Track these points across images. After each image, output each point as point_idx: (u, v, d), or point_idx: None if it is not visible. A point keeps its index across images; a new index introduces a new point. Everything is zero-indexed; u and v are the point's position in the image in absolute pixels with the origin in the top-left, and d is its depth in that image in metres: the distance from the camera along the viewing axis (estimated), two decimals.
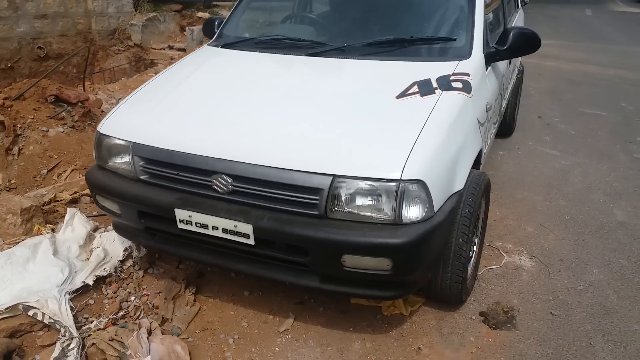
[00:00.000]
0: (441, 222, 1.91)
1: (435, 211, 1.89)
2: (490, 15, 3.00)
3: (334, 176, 1.83)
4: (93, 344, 2.12)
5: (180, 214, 2.02)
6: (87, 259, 2.63)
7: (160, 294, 2.49)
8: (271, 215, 1.91)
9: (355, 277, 1.94)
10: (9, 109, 3.60)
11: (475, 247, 2.58)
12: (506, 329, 2.31)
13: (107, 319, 2.31)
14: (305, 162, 1.88)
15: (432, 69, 2.36)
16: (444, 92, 2.19)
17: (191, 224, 2.03)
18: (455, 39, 2.60)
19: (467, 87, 2.29)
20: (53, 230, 2.78)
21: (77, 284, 2.42)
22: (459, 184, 2.07)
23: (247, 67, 2.64)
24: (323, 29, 2.98)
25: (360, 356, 2.16)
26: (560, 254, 2.89)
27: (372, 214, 1.84)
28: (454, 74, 2.32)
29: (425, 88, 2.20)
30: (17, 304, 2.17)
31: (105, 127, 2.29)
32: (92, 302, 2.43)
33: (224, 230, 1.98)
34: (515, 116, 4.76)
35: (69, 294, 2.35)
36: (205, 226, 2.01)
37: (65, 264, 2.48)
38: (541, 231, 3.15)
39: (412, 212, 1.84)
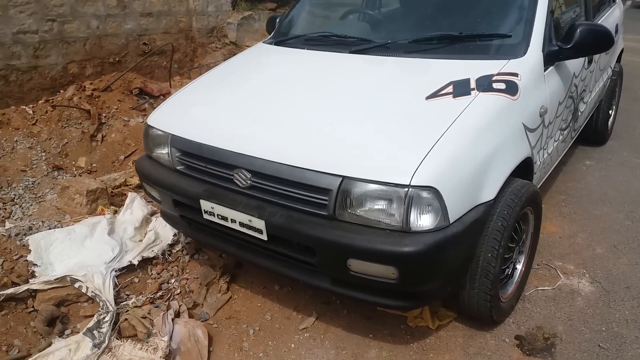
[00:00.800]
0: (459, 233, 1.77)
1: (451, 221, 1.76)
2: (563, 9, 2.72)
3: (343, 177, 1.79)
4: (126, 319, 2.28)
5: (205, 205, 2.10)
6: (140, 240, 2.83)
7: (198, 280, 2.62)
8: (283, 213, 1.91)
9: (363, 282, 1.88)
10: (97, 99, 3.98)
11: (520, 265, 2.38)
12: (541, 357, 2.10)
13: (145, 298, 2.47)
14: (316, 161, 1.86)
15: (476, 68, 2.19)
16: (480, 93, 2.03)
17: (214, 215, 2.10)
18: (510, 36, 2.39)
19: (511, 89, 2.10)
20: (115, 212, 3.03)
21: (124, 262, 2.61)
22: (488, 194, 1.91)
23: (286, 65, 2.66)
24: (374, 25, 2.91)
25: None
26: (629, 281, 2.55)
27: (380, 219, 1.76)
28: (498, 74, 2.14)
29: (460, 88, 2.06)
30: (65, 276, 2.40)
31: (152, 118, 2.45)
32: (137, 281, 2.61)
33: (241, 224, 2.02)
34: (610, 123, 4.27)
35: (115, 271, 2.55)
36: (225, 218, 2.06)
37: (117, 243, 2.70)
38: (612, 253, 2.80)
39: (423, 220, 1.73)
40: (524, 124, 2.13)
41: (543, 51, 2.36)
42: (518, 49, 2.31)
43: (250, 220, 1.97)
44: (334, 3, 3.20)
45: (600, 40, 2.36)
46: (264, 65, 2.72)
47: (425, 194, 1.70)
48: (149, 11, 6.27)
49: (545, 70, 2.38)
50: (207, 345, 2.18)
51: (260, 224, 1.95)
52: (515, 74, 2.17)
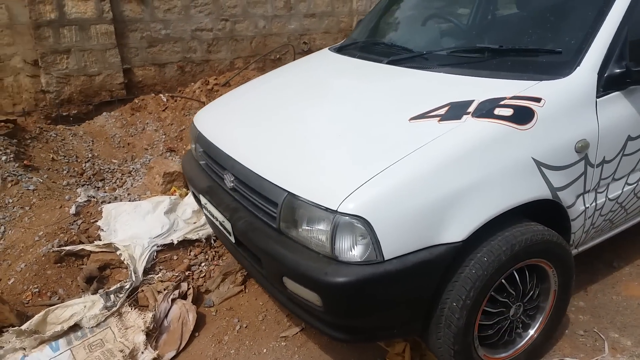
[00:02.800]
0: (396, 271, 1.59)
1: (386, 257, 1.59)
2: None
3: (288, 192, 1.74)
4: (142, 290, 2.58)
5: (203, 199, 2.25)
6: (195, 222, 3.13)
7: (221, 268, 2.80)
8: (247, 219, 1.94)
9: (301, 303, 1.81)
10: (215, 93, 4.43)
11: (532, 329, 2.01)
12: None
13: (171, 275, 2.75)
14: (273, 172, 1.85)
15: (493, 89, 1.89)
16: (473, 119, 1.75)
17: (207, 210, 2.24)
18: (560, 52, 1.98)
19: (521, 116, 1.76)
20: (186, 194, 3.39)
21: (167, 240, 2.93)
22: (453, 235, 1.64)
23: (316, 72, 2.62)
24: (431, 34, 2.66)
25: None
26: None
27: (313, 242, 1.68)
28: (513, 97, 1.81)
29: (454, 112, 1.80)
30: (111, 243, 2.80)
31: (196, 116, 2.68)
32: (175, 259, 2.91)
33: (220, 223, 2.12)
34: None
35: (158, 246, 2.88)
36: (212, 214, 2.18)
37: (169, 222, 3.03)
38: None
39: (354, 251, 1.60)
40: (535, 159, 1.76)
41: (601, 73, 1.90)
42: (563, 68, 1.91)
43: (224, 221, 2.06)
44: (409, 6, 3.00)
45: None
46: (299, 72, 2.73)
47: (353, 223, 1.57)
48: (313, 12, 6.62)
49: (601, 96, 1.92)
50: (191, 330, 2.34)
51: (229, 226, 2.02)
52: (537, 99, 1.81)
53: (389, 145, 1.74)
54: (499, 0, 2.62)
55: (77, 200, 3.24)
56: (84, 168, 3.92)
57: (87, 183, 3.74)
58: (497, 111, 1.76)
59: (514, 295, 1.87)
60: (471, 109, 1.79)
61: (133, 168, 4.05)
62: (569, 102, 1.85)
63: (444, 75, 2.10)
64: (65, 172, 3.78)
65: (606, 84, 1.92)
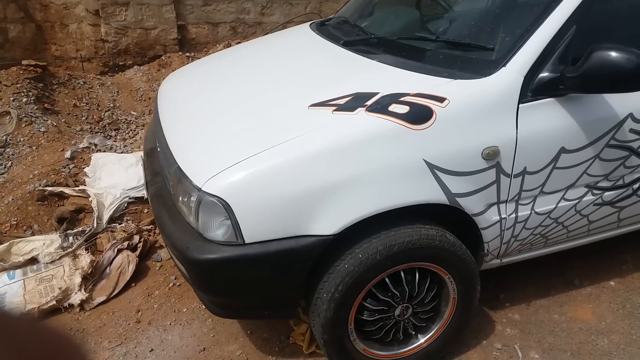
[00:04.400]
0: (255, 256, 1.61)
1: (247, 241, 1.61)
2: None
3: (177, 164, 1.80)
4: (100, 236, 2.79)
5: (143, 159, 2.37)
6: None
7: None
8: (159, 185, 2.04)
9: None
10: None
11: (424, 337, 1.97)
12: None
13: (135, 226, 2.93)
14: (174, 144, 1.91)
15: (403, 82, 1.80)
16: (365, 112, 1.67)
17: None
18: (492, 49, 1.82)
19: (416, 115, 1.65)
20: None
21: (140, 193, 3.10)
22: (324, 228, 1.62)
23: (277, 49, 2.57)
24: (393, 19, 2.49)
25: None
26: None
27: (187, 216, 1.73)
28: (415, 95, 1.70)
29: (353, 103, 1.73)
30: (85, 189, 3.02)
31: (164, 80, 2.77)
32: (145, 212, 3.09)
33: (144, 184, 2.23)
34: None
35: (130, 198, 3.07)
36: (144, 175, 2.30)
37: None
38: None
39: (214, 230, 1.63)
40: (428, 162, 1.66)
41: (530, 76, 1.73)
42: (487, 68, 1.77)
43: (145, 183, 2.16)
44: None
45: (617, 76, 1.59)
46: (262, 46, 2.71)
47: (214, 203, 1.59)
48: None
49: (527, 102, 1.75)
50: (127, 279, 2.51)
51: (147, 189, 2.12)
52: (441, 99, 1.69)
53: (274, 130, 1.73)
54: None
55: (76, 145, 3.51)
56: (102, 116, 4.19)
57: (101, 131, 4.01)
58: (392, 107, 1.68)
59: (398, 295, 1.82)
60: (370, 102, 1.72)
61: (148, 122, 4.27)
62: (479, 104, 1.71)
63: (375, 63, 2.01)
64: (83, 118, 4.08)
65: (537, 89, 1.74)
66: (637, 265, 2.61)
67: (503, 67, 1.74)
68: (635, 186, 2.05)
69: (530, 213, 1.91)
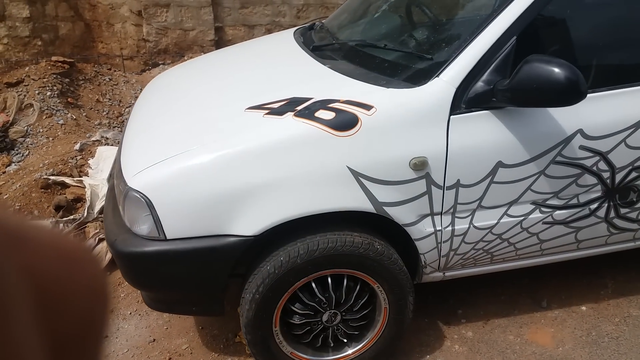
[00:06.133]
0: (177, 252, 1.68)
1: (168, 237, 1.68)
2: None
3: (119, 160, 1.91)
4: (88, 225, 2.96)
5: None
6: None
7: None
8: None
9: None
10: None
11: (351, 348, 1.97)
12: None
13: None
14: (126, 139, 2.02)
15: (338, 88, 1.83)
16: (293, 117, 1.70)
17: None
18: (431, 58, 1.80)
19: (342, 122, 1.67)
20: None
21: None
22: (244, 229, 1.67)
23: (253, 54, 2.63)
24: (359, 27, 2.48)
25: None
26: None
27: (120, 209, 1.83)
28: (344, 101, 1.72)
29: (285, 107, 1.77)
30: (83, 180, 3.22)
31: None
32: None
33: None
34: None
35: None
36: None
37: None
38: None
39: (140, 224, 1.72)
40: (352, 169, 1.67)
41: (463, 88, 1.70)
42: (421, 77, 1.75)
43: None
44: None
45: (546, 90, 1.53)
46: (242, 51, 2.78)
47: (137, 198, 1.68)
48: None
49: (460, 114, 1.71)
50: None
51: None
52: (368, 106, 1.69)
53: (205, 130, 1.80)
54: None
55: (89, 138, 3.73)
56: (122, 112, 4.43)
57: (119, 126, 4.25)
58: (319, 113, 1.70)
59: (324, 301, 1.83)
60: (300, 107, 1.75)
61: None
62: (407, 114, 1.70)
63: (326, 69, 2.03)
64: (104, 113, 4.33)
65: (470, 101, 1.71)
66: (616, 291, 2.46)
67: (436, 78, 1.72)
68: (593, 206, 1.95)
69: (469, 227, 1.87)
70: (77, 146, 3.59)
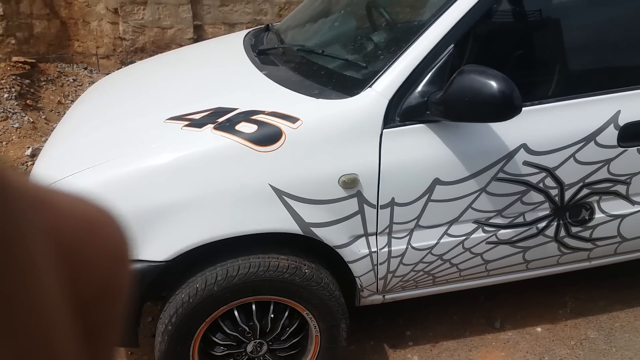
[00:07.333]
0: None
1: None
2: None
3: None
4: None
5: None
6: None
7: None
8: None
9: None
10: None
11: None
12: None
13: None
14: (43, 150, 1.90)
15: (266, 98, 1.71)
16: (212, 131, 1.58)
17: None
18: (365, 67, 1.68)
19: (263, 136, 1.54)
20: None
21: None
22: (156, 254, 1.53)
23: (198, 56, 2.51)
24: (306, 31, 2.35)
25: None
26: None
27: None
28: (269, 113, 1.59)
29: (206, 119, 1.64)
30: None
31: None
32: None
33: None
34: None
35: None
36: None
37: None
38: None
39: None
40: (275, 187, 1.55)
41: (397, 99, 1.58)
42: (354, 87, 1.63)
43: None
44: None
45: (478, 104, 1.42)
46: (189, 53, 2.66)
47: None
48: None
49: (394, 127, 1.59)
50: None
51: None
52: (294, 119, 1.57)
53: (117, 143, 1.66)
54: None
55: (42, 142, 3.59)
56: None
57: None
58: (240, 126, 1.57)
59: (248, 330, 1.70)
60: (222, 118, 1.62)
61: None
62: (336, 127, 1.57)
63: (261, 76, 1.90)
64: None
65: (405, 114, 1.59)
66: (575, 311, 2.35)
67: (369, 88, 1.60)
68: (541, 225, 1.84)
69: (407, 248, 1.75)
70: (28, 151, 3.45)
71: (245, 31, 2.75)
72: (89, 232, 0.25)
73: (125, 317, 0.28)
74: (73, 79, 4.58)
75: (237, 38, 2.58)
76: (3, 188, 0.18)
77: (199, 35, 5.67)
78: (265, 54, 2.15)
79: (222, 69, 2.14)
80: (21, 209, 0.19)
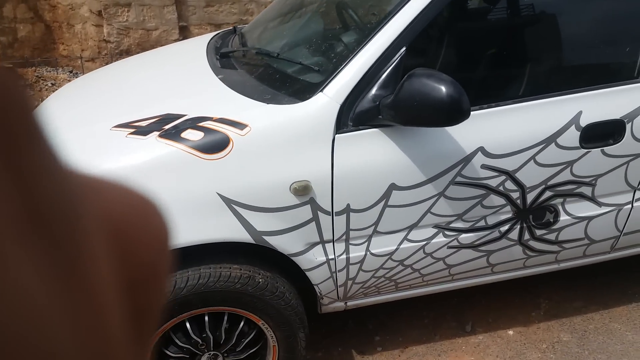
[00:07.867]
0: None
1: None
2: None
3: None
4: None
5: None
6: None
7: None
8: None
9: None
10: None
11: None
12: None
13: None
14: None
15: (216, 104, 1.66)
16: (157, 138, 1.53)
17: None
18: (318, 70, 1.64)
19: (209, 144, 1.50)
20: None
21: None
22: None
23: (162, 59, 2.45)
24: (268, 33, 2.30)
25: None
26: None
27: None
28: (218, 119, 1.55)
29: (152, 126, 1.59)
30: None
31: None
32: None
33: None
34: None
35: None
36: None
37: None
38: None
39: None
40: (223, 196, 1.50)
41: (350, 104, 1.53)
42: (306, 92, 1.59)
43: None
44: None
45: (427, 108, 1.37)
46: (155, 55, 2.60)
47: None
48: None
49: (347, 132, 1.55)
50: None
51: None
52: (242, 125, 1.52)
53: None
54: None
55: None
56: None
57: None
58: (186, 133, 1.53)
59: (201, 342, 1.66)
60: (169, 125, 1.58)
61: None
62: (286, 133, 1.53)
63: (214, 80, 1.84)
64: None
65: (357, 119, 1.55)
66: (549, 313, 2.32)
67: (320, 93, 1.55)
68: (504, 228, 1.80)
69: (366, 254, 1.71)
70: None
71: (213, 33, 2.70)
72: (137, 219, 0.26)
73: (165, 302, 0.29)
74: (52, 84, 4.52)
75: (203, 41, 2.53)
76: (70, 173, 0.19)
77: (185, 36, 5.60)
78: (227, 56, 2.10)
79: (179, 73, 2.09)
80: (81, 193, 0.20)
